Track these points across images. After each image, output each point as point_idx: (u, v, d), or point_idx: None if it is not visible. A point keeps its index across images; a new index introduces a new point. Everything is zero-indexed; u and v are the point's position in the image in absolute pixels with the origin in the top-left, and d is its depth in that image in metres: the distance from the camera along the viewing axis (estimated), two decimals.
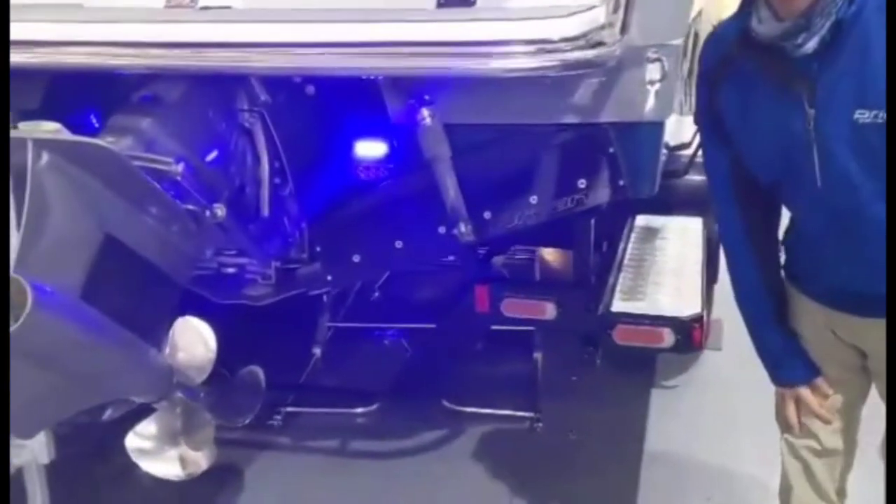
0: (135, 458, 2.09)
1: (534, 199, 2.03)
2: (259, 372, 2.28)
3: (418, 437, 2.88)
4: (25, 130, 1.71)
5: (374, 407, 3.04)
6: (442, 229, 2.12)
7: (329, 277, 2.24)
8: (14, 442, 1.94)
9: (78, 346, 1.67)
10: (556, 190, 2.06)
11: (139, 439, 2.12)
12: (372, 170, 2.22)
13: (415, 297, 3.74)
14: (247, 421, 2.20)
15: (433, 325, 3.40)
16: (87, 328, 1.70)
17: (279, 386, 3.10)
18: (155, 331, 1.98)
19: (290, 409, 3.00)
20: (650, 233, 3.00)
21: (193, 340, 2.16)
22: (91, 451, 2.73)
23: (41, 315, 1.55)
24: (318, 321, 3.38)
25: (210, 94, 2.05)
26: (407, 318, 3.54)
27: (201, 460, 2.20)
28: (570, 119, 1.95)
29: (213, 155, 2.06)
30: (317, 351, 3.29)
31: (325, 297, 3.46)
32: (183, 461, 2.18)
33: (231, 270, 2.36)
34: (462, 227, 2.05)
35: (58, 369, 1.64)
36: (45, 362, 1.61)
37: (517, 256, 2.73)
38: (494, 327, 2.99)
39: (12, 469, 1.92)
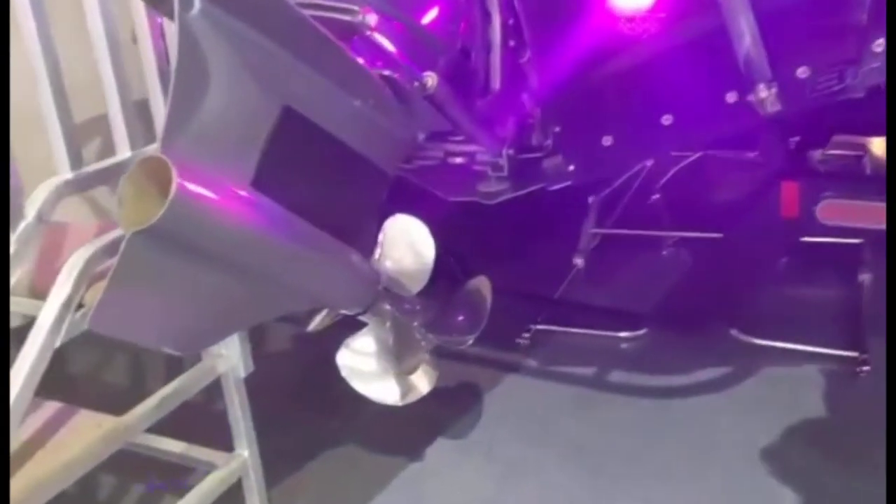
0: (346, 375, 1.77)
1: (879, 45, 1.33)
2: (486, 285, 1.86)
3: (695, 374, 2.30)
4: None
5: (642, 332, 2.50)
6: (731, 96, 1.51)
7: (571, 167, 1.72)
8: (213, 351, 1.70)
9: (245, 245, 1.33)
10: None
11: (350, 355, 1.80)
12: (637, 21, 1.64)
13: (702, 199, 3.09)
14: (469, 342, 1.79)
15: (720, 235, 2.75)
16: (258, 224, 1.35)
17: (530, 299, 2.69)
18: (355, 229, 1.61)
19: (540, 326, 2.56)
20: None
21: (406, 244, 1.78)
22: (294, 363, 2.52)
23: (191, 206, 1.22)
24: (583, 226, 2.89)
25: None
26: (690, 224, 2.92)
27: (419, 384, 1.84)
28: None
29: (422, 7, 1.62)
30: (578, 261, 2.80)
31: (590, 199, 2.99)
32: (399, 384, 1.85)
33: (458, 161, 1.93)
34: (762, 92, 1.42)
35: (218, 272, 1.32)
36: (203, 262, 1.29)
37: (838, 149, 2.03)
38: (805, 238, 2.39)
39: (212, 378, 1.69)
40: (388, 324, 1.72)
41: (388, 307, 1.67)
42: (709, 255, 2.82)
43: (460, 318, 1.82)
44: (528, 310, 2.60)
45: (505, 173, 1.85)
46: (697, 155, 2.81)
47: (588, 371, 2.40)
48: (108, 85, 1.45)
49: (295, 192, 1.44)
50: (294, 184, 1.45)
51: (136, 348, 2.21)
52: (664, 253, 2.93)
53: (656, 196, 3.11)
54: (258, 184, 1.35)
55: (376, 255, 1.74)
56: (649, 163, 2.96)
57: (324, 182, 1.54)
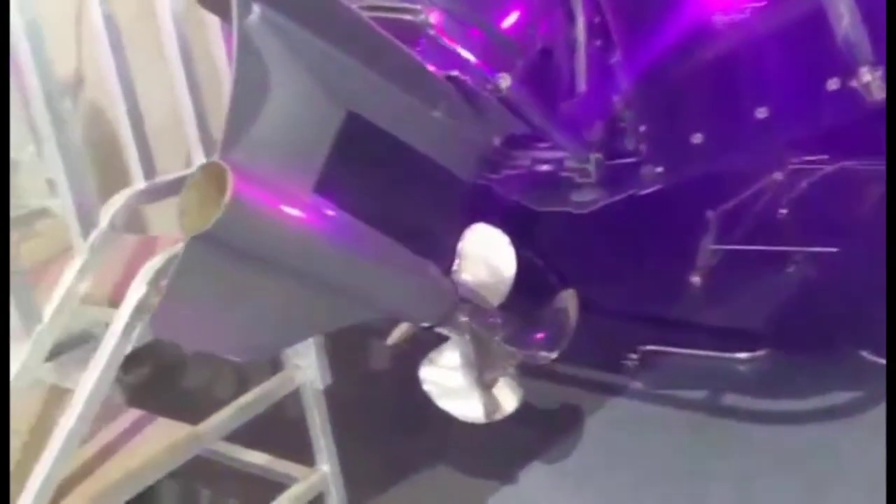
0: (428, 391, 1.72)
1: None
2: (573, 300, 1.76)
3: (820, 398, 2.10)
4: None
5: (762, 353, 2.31)
6: (833, 83, 1.36)
7: (659, 169, 1.60)
8: (291, 362, 1.69)
9: (305, 251, 1.31)
10: None
11: (433, 370, 1.75)
12: (730, 7, 1.51)
13: (834, 214, 2.84)
14: (550, 358, 1.70)
15: (848, 250, 2.51)
16: (320, 229, 1.33)
17: (640, 318, 2.55)
18: (428, 238, 1.57)
19: (650, 347, 2.41)
20: None
21: (486, 255, 1.72)
22: (383, 379, 2.47)
23: (249, 211, 1.21)
24: (701, 241, 2.72)
25: None
26: (820, 240, 2.69)
27: (504, 402, 1.76)
28: None
29: (498, 9, 1.57)
30: (695, 279, 2.63)
31: (710, 214, 2.81)
32: (484, 401, 1.77)
33: (546, 168, 1.85)
34: (865, 76, 1.28)
35: (278, 278, 1.30)
36: (262, 268, 1.27)
37: None
38: None
39: (290, 390, 1.68)
40: (466, 336, 1.66)
41: (465, 319, 1.61)
42: (838, 273, 2.57)
43: (542, 333, 1.73)
44: (637, 329, 2.46)
45: (593, 179, 1.76)
46: (830, 167, 2.60)
47: (700, 395, 2.23)
48: (181, 96, 1.47)
49: (361, 199, 1.41)
50: (360, 190, 1.43)
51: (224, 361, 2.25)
52: (789, 270, 2.71)
53: (784, 211, 2.89)
54: (322, 190, 1.33)
55: (455, 266, 1.69)
56: (778, 176, 2.77)
57: (392, 188, 1.51)
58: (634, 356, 2.38)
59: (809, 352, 2.27)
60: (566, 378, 2.41)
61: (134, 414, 1.54)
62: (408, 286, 1.51)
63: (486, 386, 1.74)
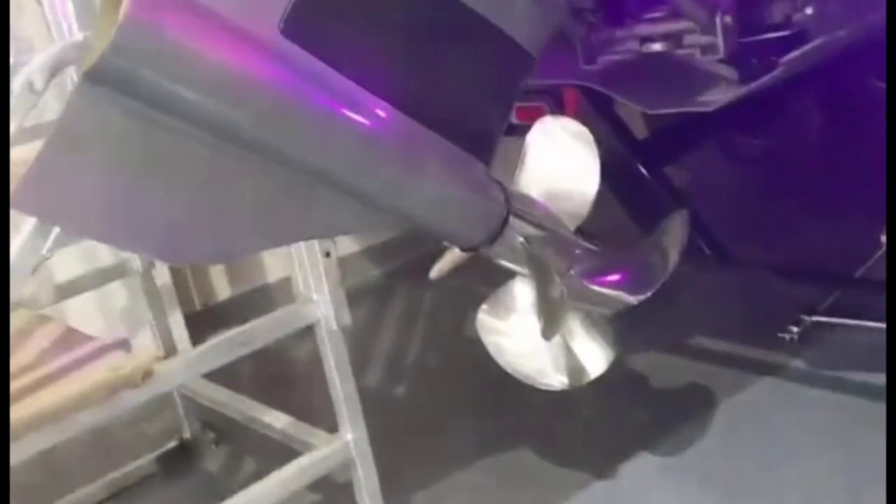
0: (486, 342, 1.28)
1: None
2: (682, 223, 1.26)
3: None
4: None
5: None
6: None
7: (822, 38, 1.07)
8: (302, 295, 1.30)
9: (252, 107, 0.89)
10: None
11: (492, 316, 1.31)
12: None
13: None
14: (641, 299, 1.21)
15: None
16: (276, 79, 0.91)
17: (810, 281, 1.95)
18: (464, 123, 1.12)
19: (818, 318, 1.83)
20: None
21: (560, 159, 1.26)
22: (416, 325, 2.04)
23: (162, 42, 0.83)
24: None
25: None
26: None
27: (588, 364, 1.30)
28: None
29: None
30: (885, 238, 2.02)
31: None
32: (559, 361, 1.31)
33: (658, 47, 1.36)
34: None
35: (213, 144, 0.90)
36: (187, 127, 0.88)
37: None
38: None
39: (297, 327, 1.30)
40: (530, 269, 1.21)
41: (521, 241, 1.16)
42: None
43: (626, 271, 1.24)
44: (801, 294, 1.89)
45: (721, 54, 1.25)
46: None
47: (878, 379, 1.65)
48: None
49: (357, 53, 1.00)
50: (359, 42, 1.02)
51: None
52: None
53: None
54: (291, 31, 0.94)
55: (518, 171, 1.25)
56: None
57: (426, 51, 1.08)
58: (796, 328, 1.81)
59: None
60: (704, 352, 1.90)
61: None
62: (435, 186, 1.08)
63: (564, 339, 1.29)
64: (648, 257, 1.25)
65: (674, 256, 1.21)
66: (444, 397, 1.87)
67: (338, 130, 0.97)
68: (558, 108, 1.76)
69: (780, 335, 1.80)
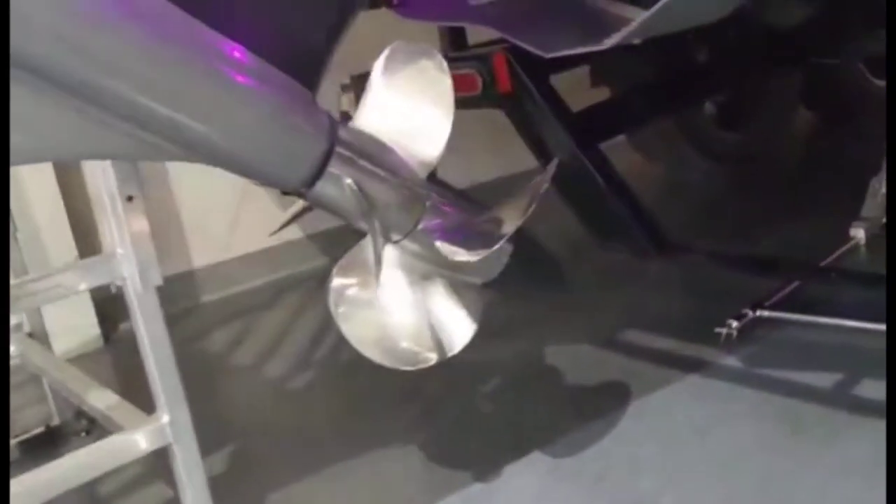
0: (334, 312, 1.08)
1: None
2: (543, 179, 1.05)
3: None
4: None
5: None
6: None
7: None
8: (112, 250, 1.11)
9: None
10: None
11: (342, 279, 1.11)
12: None
13: None
14: (467, 260, 1.01)
15: None
16: None
17: (763, 270, 1.72)
18: (304, 51, 0.93)
19: (763, 313, 1.60)
20: None
21: (410, 92, 1.06)
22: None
23: None
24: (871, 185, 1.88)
25: None
26: None
27: (440, 333, 1.09)
28: None
29: None
30: (857, 233, 1.81)
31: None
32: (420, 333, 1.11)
33: None
34: None
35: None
36: None
37: None
38: None
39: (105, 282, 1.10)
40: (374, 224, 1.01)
41: (349, 185, 0.96)
42: None
43: (470, 230, 1.04)
44: (759, 290, 1.64)
45: None
46: None
47: (816, 380, 1.44)
48: None
49: None
50: None
51: None
52: None
53: None
54: None
55: (360, 107, 1.05)
56: None
57: None
58: (736, 323, 1.59)
59: None
60: (632, 348, 1.70)
61: None
62: (242, 109, 0.89)
63: (426, 310, 1.09)
64: (499, 213, 1.05)
65: (519, 214, 1.00)
66: (341, 393, 1.68)
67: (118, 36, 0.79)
68: (489, 76, 1.60)
69: (716, 330, 1.58)
